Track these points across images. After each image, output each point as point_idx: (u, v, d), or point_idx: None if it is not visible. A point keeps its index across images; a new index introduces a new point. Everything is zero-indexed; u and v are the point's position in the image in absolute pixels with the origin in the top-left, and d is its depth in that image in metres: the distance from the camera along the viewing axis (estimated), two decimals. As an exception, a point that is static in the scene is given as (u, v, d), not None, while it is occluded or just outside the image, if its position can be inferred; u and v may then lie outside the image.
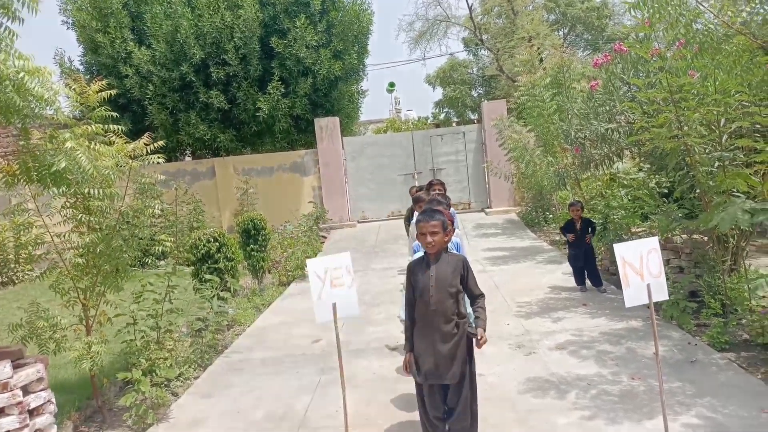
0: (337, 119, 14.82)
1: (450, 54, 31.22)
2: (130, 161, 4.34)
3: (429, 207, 3.58)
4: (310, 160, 14.96)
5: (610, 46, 6.32)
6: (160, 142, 4.57)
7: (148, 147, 4.36)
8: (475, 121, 23.27)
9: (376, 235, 13.29)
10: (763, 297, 5.38)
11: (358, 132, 23.21)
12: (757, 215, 4.46)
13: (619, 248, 2.62)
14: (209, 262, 7.07)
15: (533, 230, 12.25)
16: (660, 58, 4.84)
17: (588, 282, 7.14)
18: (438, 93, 29.62)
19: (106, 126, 4.45)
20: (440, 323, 3.20)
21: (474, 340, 3.26)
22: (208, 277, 6.41)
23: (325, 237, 13.70)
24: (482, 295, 3.37)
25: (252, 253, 8.49)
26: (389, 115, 32.13)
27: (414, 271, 3.35)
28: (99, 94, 4.64)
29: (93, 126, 4.19)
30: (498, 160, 13.01)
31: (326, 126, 14.68)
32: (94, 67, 14.70)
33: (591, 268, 7.07)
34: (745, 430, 3.48)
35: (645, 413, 3.81)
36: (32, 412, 3.56)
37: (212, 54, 13.78)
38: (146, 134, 4.55)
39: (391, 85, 31.59)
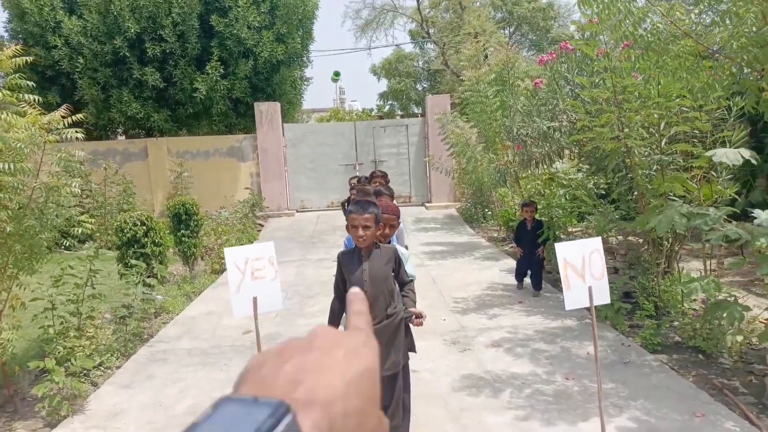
0: (278, 104, 14.42)
1: (396, 45, 31.15)
2: (46, 135, 3.94)
3: (362, 198, 3.42)
4: (248, 146, 14.50)
5: (555, 47, 6.34)
6: (79, 116, 4.18)
7: (65, 120, 3.97)
8: (419, 115, 23.32)
9: (315, 224, 13.05)
10: (695, 300, 5.56)
11: (300, 120, 22.76)
12: (693, 219, 4.56)
13: (560, 248, 2.53)
14: (136, 246, 6.64)
15: (472, 226, 12.36)
16: (605, 58, 4.87)
17: (527, 281, 7.05)
18: (383, 84, 29.51)
19: (19, 95, 4.03)
20: (378, 316, 3.07)
21: (409, 323, 3.18)
22: (133, 262, 6.01)
23: (262, 225, 13.33)
24: (411, 280, 3.29)
25: (183, 239, 8.08)
26: (333, 105, 31.76)
27: (345, 263, 3.19)
28: (13, 60, 4.21)
29: (0, 92, 3.76)
30: (440, 155, 13.02)
31: (266, 111, 14.25)
32: (20, 35, 13.64)
33: (536, 271, 6.88)
34: None
35: (579, 414, 3.81)
36: None
37: (148, 29, 13.06)
38: (64, 106, 4.15)
39: (336, 74, 31.20)
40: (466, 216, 13.25)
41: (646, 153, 5.41)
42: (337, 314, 3.27)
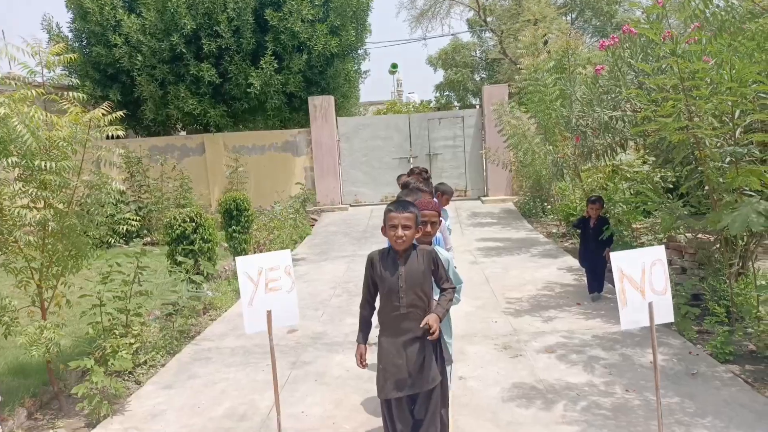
0: (331, 98, 14.36)
1: (452, 35, 30.60)
2: (87, 132, 3.93)
3: (402, 197, 3.18)
4: (302, 140, 14.54)
5: (618, 32, 5.88)
6: (119, 113, 4.15)
7: (105, 117, 3.95)
8: (476, 106, 22.78)
9: (368, 219, 12.92)
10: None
11: (357, 113, 22.71)
12: (772, 217, 4.09)
13: (616, 258, 2.20)
14: (184, 243, 6.69)
15: (530, 221, 11.90)
16: (672, 42, 4.43)
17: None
18: (440, 75, 29.05)
19: (63, 93, 4.04)
20: (412, 327, 2.84)
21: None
22: (180, 259, 6.03)
23: (315, 220, 13.34)
24: (452, 288, 2.97)
25: (234, 234, 8.12)
26: (391, 97, 31.58)
27: (377, 266, 2.95)
28: (58, 57, 4.22)
29: (33, 90, 3.76)
30: (497, 147, 12.60)
31: (320, 105, 14.23)
32: (83, 35, 14.16)
33: (600, 271, 6.30)
34: (749, 455, 3.15)
35: None
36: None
37: (204, 25, 13.25)
38: (105, 103, 4.14)
39: (394, 66, 31.01)
40: (524, 210, 12.78)
41: (718, 144, 4.91)
42: (367, 321, 3.04)
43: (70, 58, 4.28)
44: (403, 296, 2.83)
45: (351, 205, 14.67)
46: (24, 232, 3.90)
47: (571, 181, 10.38)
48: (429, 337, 2.79)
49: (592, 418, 3.68)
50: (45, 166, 3.75)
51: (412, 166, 6.12)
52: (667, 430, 3.47)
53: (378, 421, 3.69)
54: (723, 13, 3.96)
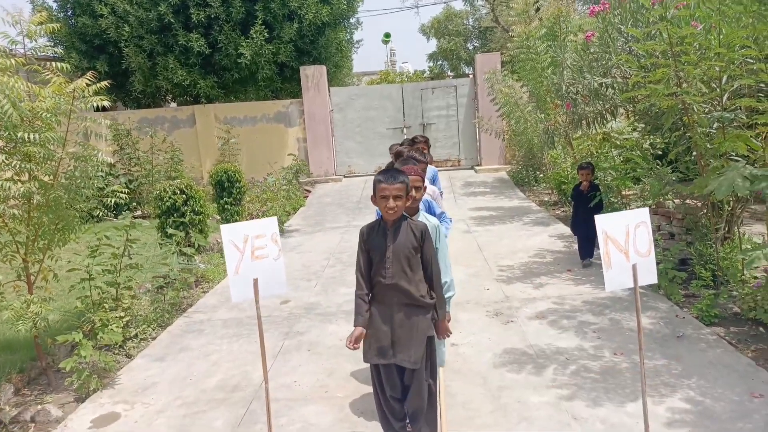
0: (323, 68, 14.18)
1: (445, 2, 30.09)
2: (72, 102, 3.87)
3: (393, 166, 3.15)
4: (295, 111, 14.40)
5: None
6: (104, 83, 4.08)
7: (90, 87, 3.88)
8: (469, 75, 22.55)
9: (362, 190, 12.90)
10: (756, 268, 5.09)
11: (350, 83, 22.45)
12: (757, 182, 4.09)
13: (601, 220, 2.21)
14: (175, 215, 6.66)
15: (523, 190, 11.92)
16: (661, 6, 4.37)
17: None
18: (433, 45, 28.69)
19: (46, 63, 3.96)
20: (399, 300, 2.85)
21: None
22: (171, 231, 6.02)
23: (308, 191, 13.30)
24: (438, 274, 2.96)
25: (225, 206, 8.09)
26: (384, 68, 31.21)
27: (368, 238, 2.94)
28: (41, 26, 4.13)
29: (13, 60, 3.69)
30: (489, 116, 12.54)
31: (312, 75, 14.05)
32: (68, 5, 13.85)
33: (590, 238, 6.22)
34: (734, 416, 3.22)
35: (628, 394, 3.53)
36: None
37: (192, -6, 12.98)
38: (89, 73, 4.07)
39: (387, 35, 30.52)
40: (517, 179, 12.79)
41: (706, 110, 4.90)
42: (362, 307, 2.91)
43: (54, 27, 4.20)
44: (390, 267, 2.83)
45: (345, 176, 14.62)
46: (8, 206, 3.86)
47: (562, 150, 10.37)
48: (442, 337, 2.94)
49: (582, 381, 3.75)
50: (28, 137, 3.70)
51: (415, 135, 6.08)
52: (654, 391, 3.54)
53: (369, 390, 3.74)
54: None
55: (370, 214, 10.29)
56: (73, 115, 3.94)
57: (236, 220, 8.26)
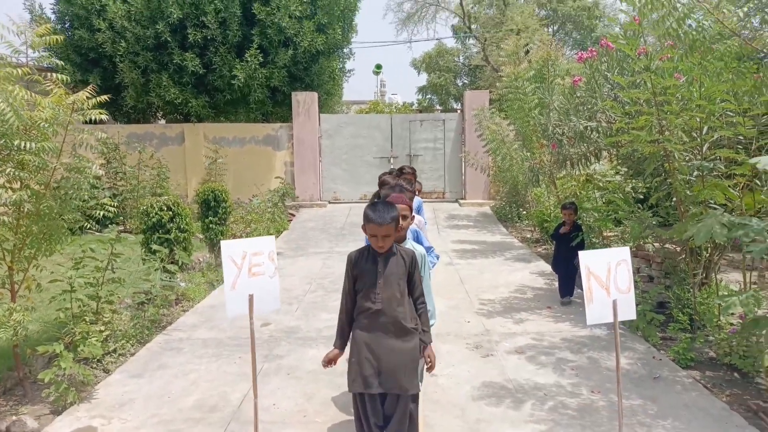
0: (315, 95, 14.37)
1: (437, 39, 30.81)
2: (70, 114, 3.91)
3: (382, 202, 3.19)
4: (284, 135, 14.51)
5: (598, 46, 6.04)
6: (104, 97, 4.13)
7: (90, 100, 3.93)
8: (458, 110, 22.98)
9: (346, 217, 12.97)
10: (732, 314, 5.23)
11: (339, 111, 22.69)
12: (734, 230, 4.25)
13: (584, 256, 2.32)
14: (160, 231, 6.64)
15: (506, 225, 12.07)
16: (646, 58, 4.57)
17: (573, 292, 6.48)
18: (423, 78, 29.28)
19: (47, 74, 4.01)
20: (386, 325, 2.90)
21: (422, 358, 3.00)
22: (155, 247, 6.00)
23: (293, 215, 13.33)
24: (423, 301, 3.05)
25: (210, 225, 8.09)
26: (374, 97, 31.64)
27: (357, 264, 2.99)
28: (43, 38, 4.19)
29: (19, 70, 3.74)
30: (476, 151, 12.75)
31: (303, 101, 14.22)
32: (66, 17, 13.93)
33: (571, 276, 6.39)
34: (704, 456, 3.29)
35: None
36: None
37: (190, 15, 13.14)
38: (90, 86, 4.12)
39: (378, 67, 31.04)
40: (500, 215, 12.96)
41: (687, 158, 5.09)
42: (345, 331, 3.00)
43: (55, 39, 4.26)
44: (380, 292, 2.88)
45: (330, 202, 14.69)
46: (0, 213, 3.86)
47: (546, 188, 10.57)
48: (428, 368, 2.96)
49: (559, 417, 3.79)
50: (24, 146, 3.72)
51: (402, 166, 6.18)
52: (630, 430, 3.60)
53: (348, 416, 3.75)
54: (694, 32, 4.11)
55: (353, 241, 10.34)
56: (70, 126, 3.97)
57: (220, 240, 8.24)
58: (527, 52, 14.47)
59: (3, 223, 3.89)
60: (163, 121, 16.66)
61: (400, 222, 3.14)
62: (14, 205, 3.92)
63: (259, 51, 13.33)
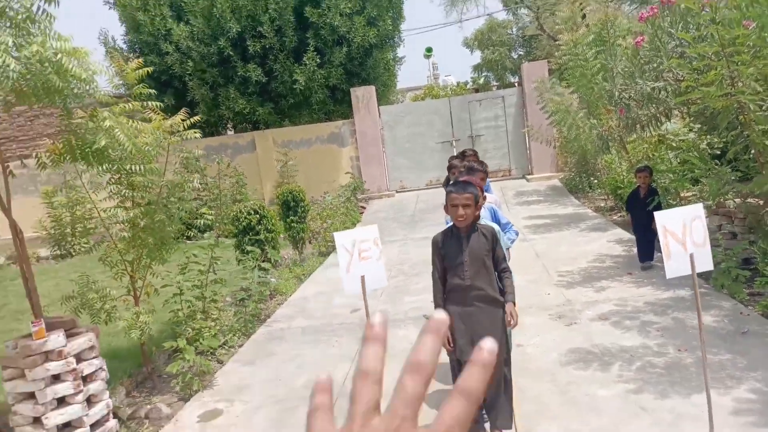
0: (372, 88, 14.67)
1: (488, 15, 30.34)
2: (170, 137, 4.39)
3: (461, 178, 3.46)
4: (347, 131, 14.91)
5: (658, 2, 5.95)
6: (196, 118, 4.60)
7: (184, 122, 4.39)
8: (516, 84, 22.65)
9: (415, 204, 13.23)
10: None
11: (396, 100, 22.95)
12: (817, 177, 4.19)
13: (660, 216, 2.47)
14: (250, 233, 7.18)
15: (577, 197, 11.95)
16: (711, 9, 4.53)
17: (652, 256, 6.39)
18: (477, 56, 28.99)
19: (145, 103, 4.50)
20: (476, 298, 3.15)
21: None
22: (249, 248, 6.51)
23: (363, 207, 13.72)
24: (508, 269, 3.28)
25: (292, 224, 8.58)
26: (427, 81, 31.63)
27: (443, 245, 3.25)
28: (137, 71, 4.69)
29: (131, 104, 4.24)
30: (539, 125, 12.64)
31: (362, 96, 14.55)
32: (136, 45, 14.90)
33: (650, 241, 6.25)
34: (800, 402, 3.34)
35: (694, 387, 3.68)
36: (85, 379, 3.74)
37: (248, 27, 13.76)
38: (183, 110, 4.58)
39: (428, 50, 31.01)
40: (571, 186, 12.82)
41: (764, 107, 4.98)
42: (442, 293, 3.29)
43: (145, 72, 4.75)
44: (468, 269, 3.13)
45: (397, 191, 14.99)
46: (119, 229, 4.39)
47: (617, 154, 10.40)
48: (511, 326, 3.14)
49: (647, 376, 3.91)
50: (134, 168, 4.22)
51: (464, 150, 6.36)
52: (720, 383, 3.68)
53: (446, 385, 4.03)
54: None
55: (424, 228, 10.59)
56: (170, 147, 4.45)
57: (302, 237, 8.74)
58: (584, 16, 14.14)
59: (123, 239, 4.43)
60: (231, 132, 17.50)
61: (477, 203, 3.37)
62: (130, 222, 4.45)
63: (315, 53, 13.77)
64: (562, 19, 12.15)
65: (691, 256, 2.36)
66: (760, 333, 4.38)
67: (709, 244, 2.40)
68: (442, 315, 0.47)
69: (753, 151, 5.41)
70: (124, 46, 15.15)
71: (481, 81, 28.54)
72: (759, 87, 4.80)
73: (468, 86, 26.32)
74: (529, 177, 14.39)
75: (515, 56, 27.39)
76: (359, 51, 14.33)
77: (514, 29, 27.70)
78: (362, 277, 3.10)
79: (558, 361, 4.33)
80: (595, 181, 11.98)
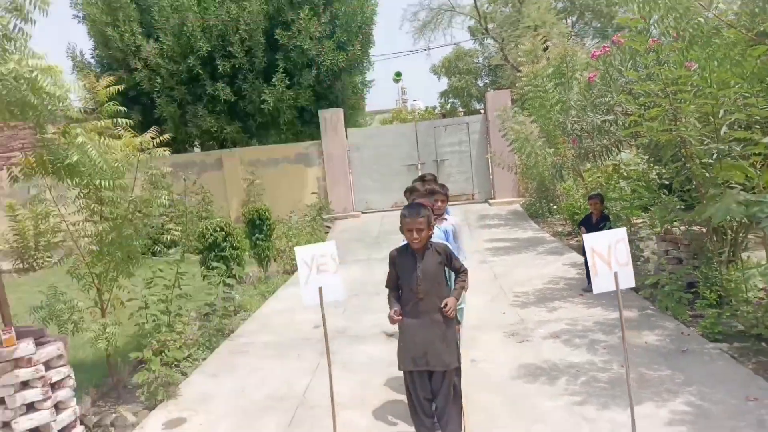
0: (341, 111, 14.95)
1: (454, 44, 31.21)
2: (138, 154, 4.51)
3: (414, 202, 3.69)
4: (314, 152, 15.11)
5: (621, 32, 6.39)
6: (166, 136, 4.75)
7: (154, 140, 4.53)
8: (481, 112, 23.31)
9: (380, 225, 13.44)
10: (761, 289, 5.49)
11: (365, 123, 23.32)
12: (750, 207, 4.56)
13: (588, 239, 2.77)
14: (216, 250, 7.28)
15: (537, 221, 12.35)
16: (654, 52, 4.94)
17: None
18: (444, 83, 29.70)
19: (115, 120, 4.62)
20: (428, 311, 3.36)
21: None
22: (215, 264, 6.61)
23: (329, 227, 13.87)
24: (465, 270, 3.55)
25: (257, 242, 8.69)
26: (396, 105, 32.17)
27: (398, 261, 3.48)
28: (108, 89, 4.82)
29: (102, 121, 4.36)
30: (501, 151, 13.08)
31: (330, 118, 14.81)
32: (104, 61, 14.90)
33: None
34: (729, 416, 3.62)
35: (633, 400, 3.95)
36: (54, 386, 3.81)
37: (218, 47, 13.92)
38: (152, 128, 4.72)
39: (398, 74, 31.55)
40: (531, 211, 13.24)
41: (705, 142, 5.39)
42: (395, 298, 3.51)
43: (117, 89, 4.88)
44: (421, 284, 3.35)
45: (363, 212, 15.21)
46: (87, 243, 4.47)
47: (574, 181, 10.85)
48: (445, 312, 3.32)
49: (591, 389, 4.17)
50: (105, 184, 4.32)
51: (423, 174, 6.60)
52: (658, 396, 3.96)
53: (400, 396, 4.22)
54: (691, 29, 4.47)
55: (387, 248, 10.57)
56: (139, 164, 4.57)
57: (267, 255, 8.84)
58: (546, 48, 14.78)
59: (91, 252, 4.51)
60: (198, 149, 17.49)
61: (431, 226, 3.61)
62: (98, 236, 4.53)
63: (284, 74, 14.00)
64: (524, 52, 12.68)
65: (615, 274, 2.64)
66: (698, 351, 4.70)
67: (631, 264, 2.70)
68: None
69: (695, 183, 5.81)
70: (92, 61, 15.10)
71: (448, 107, 29.22)
72: (698, 123, 5.22)
73: (436, 111, 26.90)
74: (491, 201, 14.80)
75: (481, 84, 28.17)
76: (328, 74, 14.62)
77: (480, 58, 28.54)
78: (320, 289, 3.29)
79: (509, 375, 4.56)
80: (554, 206, 12.44)
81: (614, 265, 2.64)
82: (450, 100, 29.59)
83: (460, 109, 28.61)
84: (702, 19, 4.45)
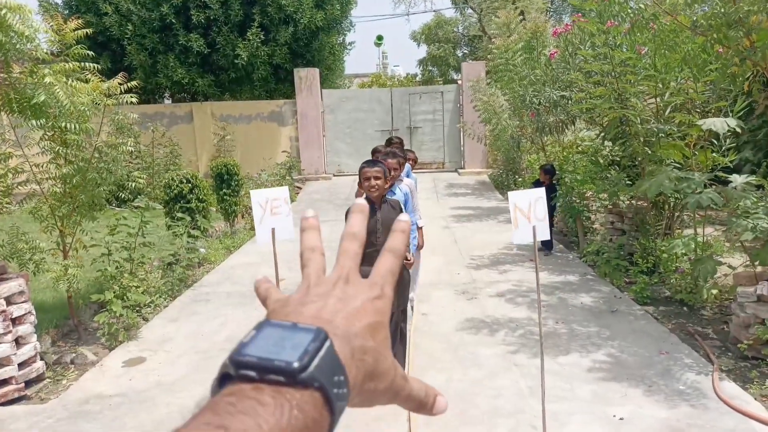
0: (316, 71, 14.92)
1: (435, 11, 31.01)
2: (105, 99, 4.61)
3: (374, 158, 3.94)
4: (288, 111, 15.12)
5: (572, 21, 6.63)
6: (134, 82, 4.84)
7: (122, 86, 4.62)
8: (458, 82, 23.41)
9: (351, 188, 13.63)
10: (687, 258, 5.92)
11: (342, 85, 23.22)
12: (680, 183, 4.93)
13: (512, 195, 3.10)
14: (181, 202, 7.39)
15: (502, 192, 12.70)
16: (604, 34, 5.20)
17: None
18: (423, 50, 29.63)
19: (83, 64, 4.69)
20: None
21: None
22: (179, 215, 6.75)
23: (299, 188, 14.02)
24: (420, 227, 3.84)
25: (225, 197, 8.82)
26: (377, 70, 31.98)
27: None
28: (76, 32, 4.86)
29: (70, 63, 4.43)
30: (473, 122, 13.32)
31: (305, 77, 14.78)
32: (73, 2, 14.50)
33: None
34: (641, 366, 4.04)
35: (561, 350, 4.35)
36: (15, 321, 3.96)
37: (193, -4, 13.70)
38: (121, 74, 4.81)
39: (379, 38, 31.34)
40: (497, 182, 13.59)
41: (651, 121, 5.73)
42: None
43: (85, 33, 4.93)
44: (380, 236, 3.61)
45: (334, 175, 15.35)
46: (51, 185, 4.59)
47: (537, 155, 11.19)
48: (407, 266, 3.61)
49: (526, 341, 4.55)
50: (68, 127, 4.43)
51: (390, 137, 6.85)
52: (583, 349, 4.36)
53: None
54: (632, 13, 4.74)
55: (357, 210, 10.99)
56: (106, 109, 4.68)
57: (234, 210, 9.00)
58: (523, 19, 14.91)
59: (55, 194, 4.63)
60: (169, 101, 17.30)
61: (389, 173, 3.86)
62: (63, 179, 4.65)
63: (260, 29, 13.88)
64: (497, 25, 12.82)
65: (534, 228, 2.95)
66: (626, 312, 5.12)
67: (547, 220, 3.03)
68: (361, 200, 0.58)
69: (638, 159, 6.18)
70: (59, 2, 14.70)
71: (426, 75, 29.18)
72: (639, 104, 5.54)
73: (416, 79, 26.88)
74: (461, 171, 15.09)
75: (460, 53, 28.17)
76: (305, 32, 14.54)
77: (460, 27, 28.46)
78: (273, 230, 3.54)
79: (455, 327, 4.91)
80: (519, 179, 12.79)
81: (533, 219, 2.94)
82: (429, 68, 29.55)
83: (438, 78, 28.63)
84: (642, 5, 4.72)
